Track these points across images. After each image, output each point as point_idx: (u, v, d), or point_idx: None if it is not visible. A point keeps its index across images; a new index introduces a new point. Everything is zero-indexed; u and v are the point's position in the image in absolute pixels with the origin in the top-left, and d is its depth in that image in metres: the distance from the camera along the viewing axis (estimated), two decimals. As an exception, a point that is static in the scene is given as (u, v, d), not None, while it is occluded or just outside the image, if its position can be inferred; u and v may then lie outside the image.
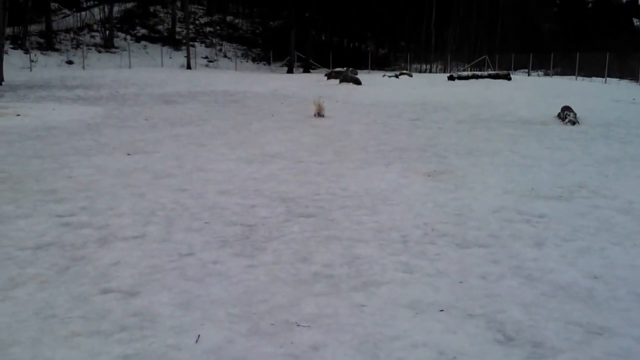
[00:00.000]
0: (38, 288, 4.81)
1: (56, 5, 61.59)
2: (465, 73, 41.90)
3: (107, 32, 58.23)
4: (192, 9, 69.71)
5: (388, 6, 67.93)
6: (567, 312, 4.51)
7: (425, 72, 64.56)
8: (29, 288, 4.80)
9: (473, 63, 65.10)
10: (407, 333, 4.15)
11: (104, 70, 43.92)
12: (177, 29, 64.17)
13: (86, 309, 4.44)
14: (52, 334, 4.06)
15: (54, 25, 56.05)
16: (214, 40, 68.08)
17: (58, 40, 55.15)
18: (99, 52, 55.74)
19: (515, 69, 55.00)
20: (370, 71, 57.52)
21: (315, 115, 17.49)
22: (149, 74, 40.94)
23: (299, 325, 4.23)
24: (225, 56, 64.87)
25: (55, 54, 51.81)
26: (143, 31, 64.15)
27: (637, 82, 39.84)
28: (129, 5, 68.23)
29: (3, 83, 29.16)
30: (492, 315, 4.44)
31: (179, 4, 65.26)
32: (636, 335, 4.16)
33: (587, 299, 4.76)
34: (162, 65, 53.66)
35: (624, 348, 3.99)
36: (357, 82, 31.93)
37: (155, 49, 59.34)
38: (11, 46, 47.09)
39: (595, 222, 6.96)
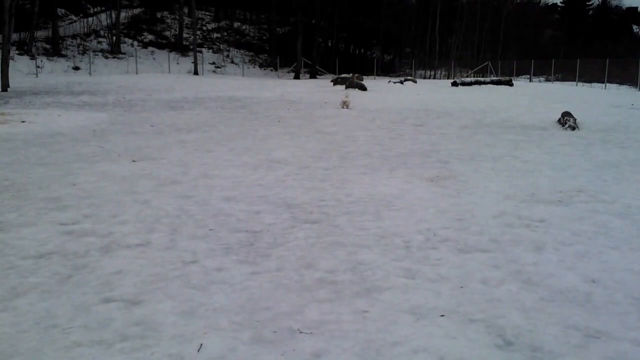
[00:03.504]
0: (39, 298, 4.82)
1: (63, 11, 61.68)
2: (468, 79, 41.84)
3: (114, 38, 58.31)
4: (200, 15, 69.88)
5: (394, 14, 68.09)
6: (565, 316, 4.54)
7: (429, 78, 64.67)
8: (30, 298, 4.82)
9: (476, 69, 65.12)
10: (408, 338, 4.18)
11: (111, 76, 43.95)
12: (185, 35, 64.23)
13: (88, 319, 4.46)
14: (53, 344, 4.08)
15: (61, 31, 56.10)
16: (221, 46, 68.18)
17: (64, 46, 55.25)
18: (106, 58, 55.82)
19: (517, 75, 55.20)
20: (376, 77, 57.57)
21: (342, 106, 21.33)
22: (155, 79, 40.95)
23: (301, 332, 4.26)
24: (232, 62, 64.94)
25: (61, 59, 51.89)
26: (150, 37, 64.27)
27: (636, 87, 39.84)
28: (136, 11, 68.39)
29: (9, 89, 29.25)
30: (492, 320, 4.47)
31: (186, 10, 65.29)
32: (633, 339, 4.19)
33: (585, 303, 4.80)
34: (169, 71, 53.70)
35: (621, 352, 4.03)
36: (363, 88, 31.97)
37: (162, 55, 59.41)
38: (17, 52, 47.17)
39: (594, 226, 6.99)
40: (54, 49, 52.93)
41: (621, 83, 42.94)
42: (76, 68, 50.64)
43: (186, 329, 4.30)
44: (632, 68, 42.53)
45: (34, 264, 5.59)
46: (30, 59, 47.76)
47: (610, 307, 4.72)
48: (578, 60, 46.19)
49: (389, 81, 42.44)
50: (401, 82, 40.25)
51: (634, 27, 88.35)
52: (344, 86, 33.38)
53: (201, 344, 4.07)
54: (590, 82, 44.10)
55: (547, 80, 53.30)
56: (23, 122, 16.64)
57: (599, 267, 5.63)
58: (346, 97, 21.82)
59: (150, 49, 61.64)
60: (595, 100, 26.25)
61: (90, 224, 6.93)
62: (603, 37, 74.10)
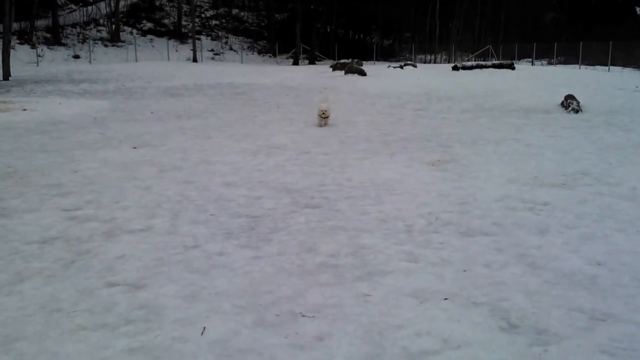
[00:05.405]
0: (44, 282, 4.84)
1: (62, 0, 61.61)
2: (469, 63, 41.70)
3: (114, 26, 58.24)
4: (198, 2, 69.66)
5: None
6: (570, 299, 4.52)
7: (429, 62, 64.47)
8: (34, 282, 4.83)
9: (477, 53, 64.96)
10: (411, 322, 4.17)
11: (111, 64, 43.98)
12: (183, 23, 64.18)
13: (92, 303, 4.46)
14: (57, 328, 4.09)
15: (61, 20, 56.07)
16: (219, 33, 68.06)
17: (64, 34, 55.22)
18: (106, 46, 55.79)
19: (519, 59, 54.88)
20: (375, 62, 57.43)
21: (319, 123, 13.89)
22: (155, 67, 40.93)
23: (304, 315, 4.26)
24: (231, 49, 64.86)
25: (61, 48, 51.87)
26: (149, 25, 64.18)
27: (640, 70, 39.74)
28: (135, -1, 68.30)
29: (10, 78, 29.27)
30: (496, 303, 4.46)
31: (184, -3, 65.28)
32: (639, 321, 4.18)
33: (590, 285, 4.78)
34: (168, 59, 53.66)
35: (628, 334, 4.01)
36: (362, 73, 31.88)
37: (161, 43, 59.35)
38: (18, 41, 47.14)
39: (599, 209, 6.97)
40: (54, 38, 52.91)
41: (624, 65, 42.78)
42: (76, 57, 50.58)
43: (189, 312, 4.30)
44: (635, 51, 42.41)
45: (38, 249, 5.61)
46: (31, 48, 47.77)
47: (616, 290, 4.70)
48: (581, 43, 45.96)
49: (389, 66, 42.28)
50: (401, 67, 40.10)
51: (637, 9, 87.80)
52: (343, 71, 33.29)
53: (204, 327, 4.07)
54: (593, 65, 43.94)
55: (550, 63, 53.12)
56: (25, 110, 16.62)
57: (604, 249, 5.61)
58: (324, 110, 13.93)
59: (150, 36, 61.58)
60: (598, 83, 26.13)
61: (93, 209, 6.93)
62: (606, 20, 73.65)
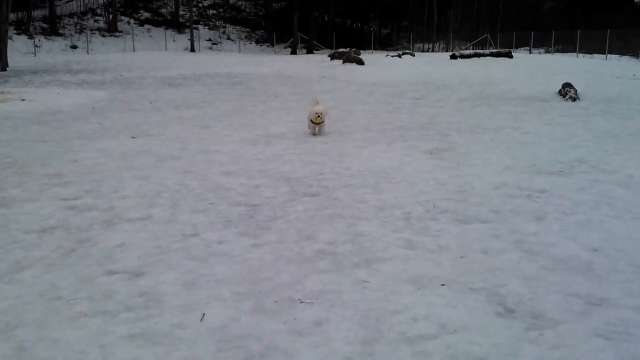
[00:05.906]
0: (44, 271, 4.85)
1: (59, -10, 61.54)
2: (467, 52, 41.48)
3: (111, 16, 58.20)
4: (195, -8, 69.56)
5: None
6: (567, 284, 4.55)
7: (428, 51, 64.28)
8: (35, 271, 4.85)
9: (475, 42, 64.88)
10: (409, 308, 4.19)
11: (108, 55, 43.90)
12: (181, 12, 64.11)
13: (92, 291, 4.48)
14: (58, 316, 4.11)
15: (58, 11, 56.06)
16: (217, 23, 67.98)
17: (62, 25, 55.18)
18: (103, 36, 55.76)
19: (517, 47, 54.91)
20: (374, 52, 57.37)
21: (311, 130, 11.55)
22: (153, 57, 40.87)
23: (302, 302, 4.28)
24: (229, 39, 64.81)
25: (59, 39, 51.86)
26: (147, 15, 64.09)
27: (637, 58, 39.67)
28: (132, -12, 68.16)
29: (8, 69, 29.25)
30: (493, 289, 4.48)
31: (182, -13, 65.10)
32: (635, 306, 4.20)
33: (587, 271, 4.80)
34: (166, 49, 53.63)
35: (624, 319, 4.03)
36: (360, 62, 31.85)
37: (159, 33, 59.30)
38: (15, 32, 47.14)
39: (596, 196, 6.99)
40: (52, 29, 52.88)
41: (622, 54, 42.69)
42: (74, 47, 50.57)
43: (189, 299, 4.32)
44: (633, 39, 42.34)
45: (38, 239, 5.62)
46: (29, 38, 47.76)
47: (613, 276, 4.73)
48: (579, 32, 45.91)
49: (387, 55, 42.20)
50: (399, 56, 40.02)
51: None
52: (341, 61, 33.28)
53: (204, 314, 4.09)
54: (591, 53, 43.86)
55: (548, 52, 53.04)
56: (23, 100, 16.62)
57: (601, 236, 5.63)
58: (319, 114, 11.26)
59: (147, 26, 61.51)
60: (596, 71, 26.10)
61: (92, 199, 6.95)
62: (604, 8, 73.46)
